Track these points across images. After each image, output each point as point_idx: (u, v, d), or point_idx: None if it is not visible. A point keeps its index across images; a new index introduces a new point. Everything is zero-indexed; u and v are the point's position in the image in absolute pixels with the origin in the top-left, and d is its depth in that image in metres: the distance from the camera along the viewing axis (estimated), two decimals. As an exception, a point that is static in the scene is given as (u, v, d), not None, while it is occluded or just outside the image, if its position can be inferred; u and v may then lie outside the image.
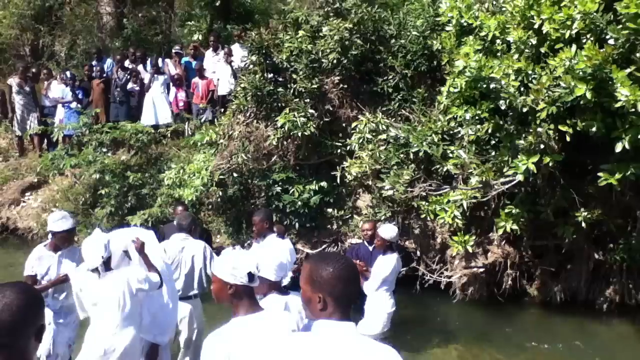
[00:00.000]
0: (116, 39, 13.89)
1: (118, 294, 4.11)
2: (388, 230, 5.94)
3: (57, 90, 11.61)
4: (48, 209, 10.19)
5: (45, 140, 11.61)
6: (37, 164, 10.97)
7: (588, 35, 5.98)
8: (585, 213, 6.50)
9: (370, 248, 6.30)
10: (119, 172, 9.33)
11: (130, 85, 11.08)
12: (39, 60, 14.16)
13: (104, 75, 11.47)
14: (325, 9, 8.62)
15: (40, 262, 4.82)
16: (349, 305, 2.09)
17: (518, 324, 7.06)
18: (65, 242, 4.86)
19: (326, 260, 2.10)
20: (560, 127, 6.03)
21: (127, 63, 11.43)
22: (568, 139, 6.01)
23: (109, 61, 12.11)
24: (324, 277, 2.04)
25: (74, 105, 11.04)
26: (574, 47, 5.83)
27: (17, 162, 11.64)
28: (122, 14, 14.28)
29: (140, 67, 11.39)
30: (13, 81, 11.47)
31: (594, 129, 5.90)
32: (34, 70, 12.25)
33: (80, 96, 11.22)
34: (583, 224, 6.52)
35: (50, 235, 4.90)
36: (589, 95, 5.60)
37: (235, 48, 10.86)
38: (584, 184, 6.73)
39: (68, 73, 11.80)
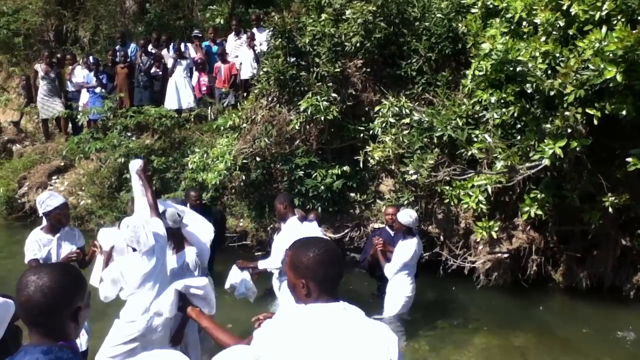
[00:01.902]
0: (139, 23, 13.96)
1: (159, 269, 4.22)
2: (404, 215, 6.02)
3: (81, 75, 11.75)
4: (75, 192, 10.37)
5: (70, 125, 11.78)
6: (63, 147, 11.15)
7: (619, 17, 5.83)
8: (613, 198, 6.39)
9: (392, 233, 6.32)
10: (143, 156, 9.43)
11: (153, 70, 11.14)
12: (63, 46, 14.29)
13: (128, 60, 11.55)
14: (348, -8, 8.54)
15: (41, 246, 4.66)
16: (334, 287, 2.11)
17: (543, 310, 7.02)
18: (62, 219, 4.69)
19: (306, 245, 2.11)
20: (588, 111, 5.91)
21: (150, 47, 11.49)
22: (596, 122, 5.90)
23: (132, 46, 12.19)
24: (304, 262, 2.06)
25: (98, 90, 11.16)
26: (604, 28, 5.69)
27: (44, 146, 11.84)
28: (145, -1, 14.35)
29: (164, 52, 11.44)
30: (39, 67, 11.62)
31: (623, 113, 5.78)
32: (59, 55, 12.39)
33: (104, 81, 11.33)
34: (610, 210, 6.42)
35: (44, 220, 4.72)
36: (619, 77, 5.47)
37: (255, 32, 10.84)
38: (611, 168, 6.62)
39: (91, 58, 11.91)
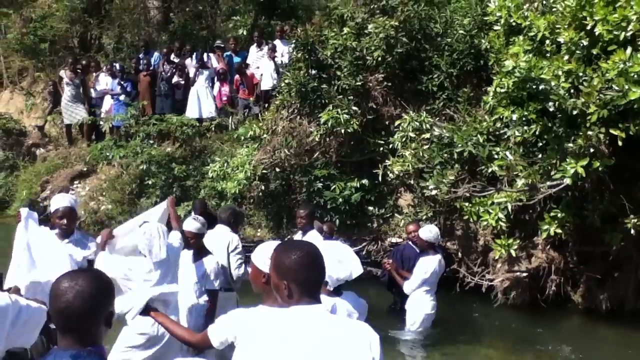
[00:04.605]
0: (163, 32, 14.15)
1: (167, 276, 4.26)
2: (425, 231, 6.04)
3: (104, 82, 11.93)
4: (96, 197, 10.51)
5: (94, 131, 11.96)
6: (85, 153, 11.32)
7: (644, 37, 5.80)
8: (635, 220, 6.31)
9: (418, 249, 6.32)
10: (164, 164, 9.56)
11: (175, 79, 11.27)
12: (87, 53, 14.53)
13: (151, 68, 11.71)
14: (371, 6, 8.60)
15: None
16: (316, 290, 2.15)
17: (560, 331, 6.93)
18: (61, 224, 4.28)
19: (289, 248, 2.17)
20: (612, 131, 5.87)
21: (172, 57, 11.64)
22: (620, 143, 5.85)
23: (155, 54, 12.35)
24: (287, 264, 2.10)
25: (122, 97, 11.32)
26: (629, 49, 5.66)
27: (67, 151, 12.03)
28: (169, 8, 14.54)
29: (187, 61, 11.58)
30: (64, 73, 11.82)
31: (647, 134, 5.74)
32: (84, 62, 12.60)
33: (128, 88, 11.49)
34: (632, 231, 6.33)
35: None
36: (643, 99, 5.44)
37: (277, 44, 10.95)
38: (634, 189, 6.56)
39: (117, 65, 12.10)
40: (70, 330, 1.87)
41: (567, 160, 6.09)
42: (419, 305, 6.20)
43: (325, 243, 5.44)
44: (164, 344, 4.22)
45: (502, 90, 6.66)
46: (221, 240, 5.37)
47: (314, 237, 5.51)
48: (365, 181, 8.21)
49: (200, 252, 4.87)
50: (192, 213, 7.17)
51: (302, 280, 2.10)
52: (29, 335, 2.66)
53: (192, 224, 4.80)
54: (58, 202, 4.36)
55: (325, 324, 2.08)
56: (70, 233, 4.35)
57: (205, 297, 4.77)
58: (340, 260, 3.18)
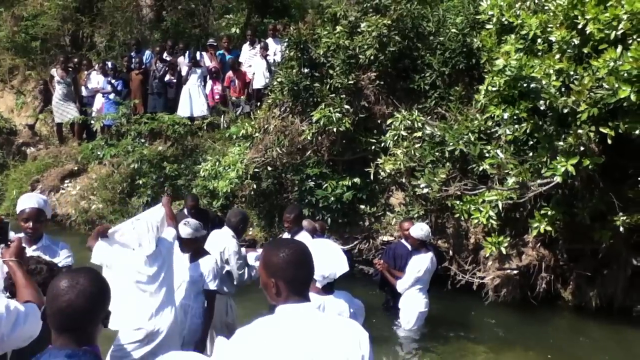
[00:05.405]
0: (155, 31, 14.11)
1: (162, 270, 4.25)
2: (416, 229, 6.07)
3: (96, 80, 11.88)
4: (86, 196, 10.46)
5: (85, 130, 11.89)
6: (76, 152, 11.26)
7: (634, 36, 5.82)
8: (624, 217, 6.35)
9: (410, 247, 6.34)
10: (155, 163, 9.53)
11: (167, 77, 11.25)
12: (79, 51, 14.46)
13: (143, 66, 11.67)
14: (364, 5, 8.60)
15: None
16: (304, 288, 2.16)
17: (551, 328, 6.96)
18: (25, 228, 3.81)
19: (278, 246, 2.20)
20: (602, 129, 5.91)
21: (165, 55, 11.61)
22: (609, 141, 5.89)
23: (147, 53, 12.32)
24: (274, 262, 2.12)
25: (112, 96, 11.27)
26: (619, 48, 5.70)
27: (58, 150, 11.96)
28: (162, 7, 14.49)
29: (180, 59, 11.55)
30: (56, 72, 11.77)
31: (637, 132, 5.77)
32: (75, 60, 12.54)
33: (119, 87, 11.44)
34: (621, 229, 6.38)
35: None
36: (633, 97, 5.46)
37: (270, 42, 10.94)
38: (623, 188, 6.59)
39: (109, 63, 12.05)
40: (68, 329, 1.89)
41: (558, 158, 6.12)
42: (413, 304, 6.22)
43: (313, 241, 5.47)
44: (162, 338, 4.22)
45: (494, 89, 6.69)
46: (218, 245, 5.32)
47: (302, 238, 5.50)
48: (357, 180, 8.21)
49: (198, 253, 4.84)
50: (184, 210, 7.22)
51: (290, 278, 2.10)
52: (25, 340, 2.59)
53: (183, 230, 4.73)
54: (23, 202, 3.86)
55: (314, 322, 2.08)
56: (37, 238, 3.88)
57: (202, 298, 4.76)
58: (326, 258, 3.17)
